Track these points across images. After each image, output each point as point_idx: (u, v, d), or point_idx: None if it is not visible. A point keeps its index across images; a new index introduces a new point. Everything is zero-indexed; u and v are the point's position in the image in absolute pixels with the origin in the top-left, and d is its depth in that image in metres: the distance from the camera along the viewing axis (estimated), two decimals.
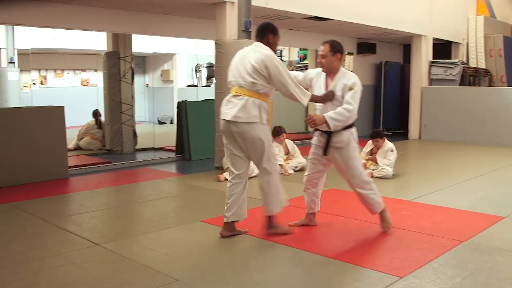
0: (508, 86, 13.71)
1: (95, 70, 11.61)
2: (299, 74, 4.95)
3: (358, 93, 4.53)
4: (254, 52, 4.54)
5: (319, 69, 4.77)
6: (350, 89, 4.51)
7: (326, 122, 4.45)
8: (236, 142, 4.55)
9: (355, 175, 4.69)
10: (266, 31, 4.63)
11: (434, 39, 13.29)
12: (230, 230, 4.67)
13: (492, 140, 11.55)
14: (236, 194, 4.57)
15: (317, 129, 4.76)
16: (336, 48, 4.58)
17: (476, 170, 8.30)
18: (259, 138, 4.48)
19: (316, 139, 4.79)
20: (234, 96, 4.53)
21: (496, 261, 4.07)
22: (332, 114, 4.46)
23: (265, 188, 4.61)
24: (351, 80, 4.54)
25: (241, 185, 4.59)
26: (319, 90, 4.70)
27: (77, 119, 10.79)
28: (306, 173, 4.92)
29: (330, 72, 4.65)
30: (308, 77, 4.87)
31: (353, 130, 4.69)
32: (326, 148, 4.66)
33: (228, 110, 4.51)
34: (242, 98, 4.45)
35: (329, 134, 4.62)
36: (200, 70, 16.06)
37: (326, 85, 4.67)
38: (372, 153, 7.75)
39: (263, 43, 4.61)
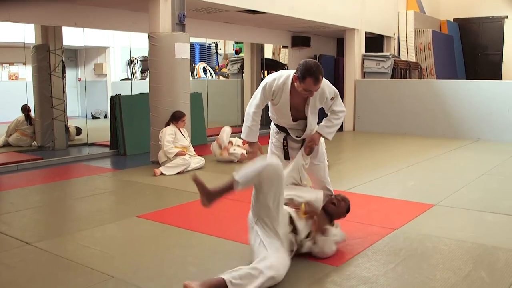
0: (437, 78, 14.21)
1: (24, 64, 11.19)
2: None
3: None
4: None
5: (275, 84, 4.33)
6: (332, 99, 4.36)
7: (322, 136, 4.43)
8: None
9: (327, 170, 4.63)
10: None
11: (367, 33, 13.57)
12: None
13: (423, 130, 11.94)
14: None
15: (283, 134, 4.56)
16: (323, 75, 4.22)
17: (407, 160, 8.55)
18: None
19: (284, 144, 4.54)
20: None
21: (426, 247, 4.21)
22: (325, 124, 4.41)
23: None
24: (330, 94, 4.36)
25: None
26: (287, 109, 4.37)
27: (6, 115, 10.42)
28: None
29: None
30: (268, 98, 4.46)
31: None
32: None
33: None
34: None
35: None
36: (134, 64, 15.81)
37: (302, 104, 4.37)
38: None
39: None
